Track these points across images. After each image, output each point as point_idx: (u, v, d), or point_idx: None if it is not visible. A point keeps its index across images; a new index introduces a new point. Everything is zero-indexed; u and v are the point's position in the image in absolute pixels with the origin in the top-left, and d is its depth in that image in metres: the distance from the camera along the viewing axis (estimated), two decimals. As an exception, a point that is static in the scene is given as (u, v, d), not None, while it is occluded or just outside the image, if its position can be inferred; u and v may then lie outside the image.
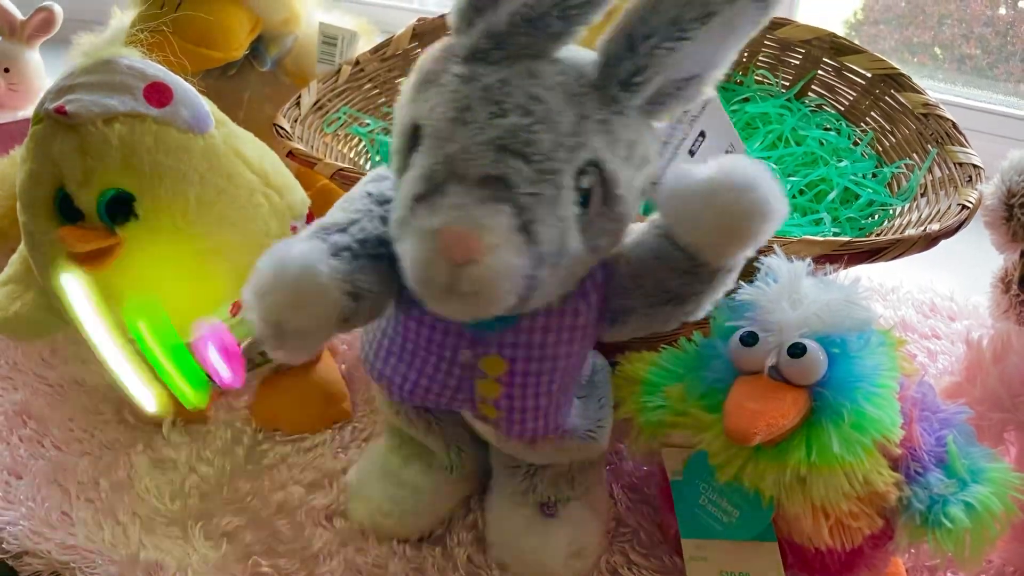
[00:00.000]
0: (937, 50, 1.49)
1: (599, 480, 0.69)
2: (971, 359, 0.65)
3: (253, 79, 0.93)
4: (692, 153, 0.62)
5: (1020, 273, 0.68)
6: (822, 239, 0.61)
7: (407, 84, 0.50)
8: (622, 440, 0.72)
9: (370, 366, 0.59)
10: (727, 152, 0.63)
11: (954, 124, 0.80)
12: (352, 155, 0.89)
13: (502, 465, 0.67)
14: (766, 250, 0.61)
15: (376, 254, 0.51)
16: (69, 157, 0.58)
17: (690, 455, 0.61)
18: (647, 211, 0.53)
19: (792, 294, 0.57)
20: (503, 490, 0.66)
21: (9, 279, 0.67)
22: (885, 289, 0.97)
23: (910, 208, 0.76)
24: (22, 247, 0.68)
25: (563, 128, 0.45)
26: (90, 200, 0.58)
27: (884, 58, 0.88)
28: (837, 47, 0.91)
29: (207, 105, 0.62)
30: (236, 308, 0.63)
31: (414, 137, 0.47)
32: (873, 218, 0.78)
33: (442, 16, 0.98)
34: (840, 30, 1.53)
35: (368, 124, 0.91)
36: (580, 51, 0.49)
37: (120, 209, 0.59)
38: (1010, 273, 0.77)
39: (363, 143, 0.90)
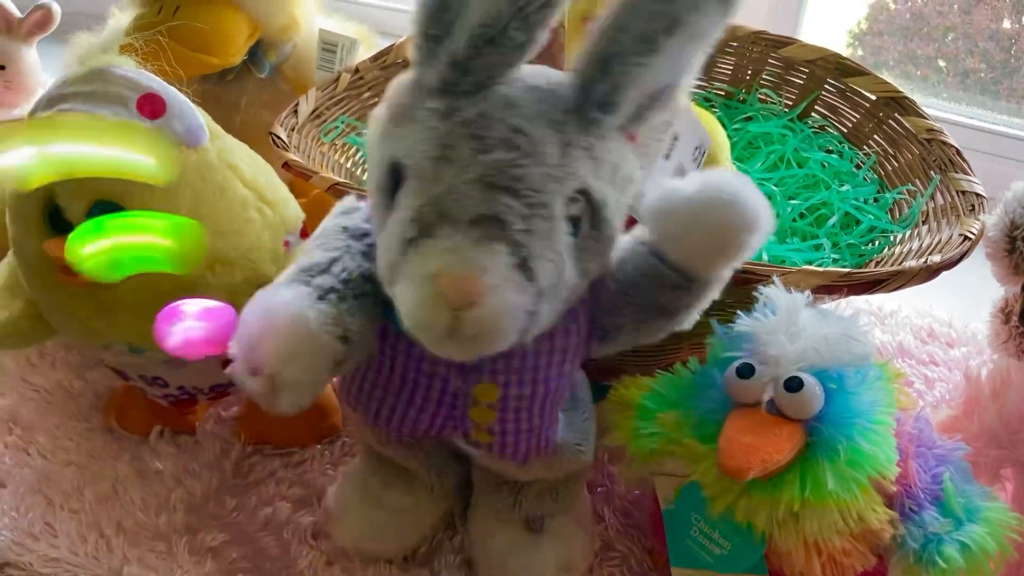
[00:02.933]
0: (941, 63, 1.49)
1: (582, 494, 0.68)
2: (969, 393, 0.65)
3: (251, 85, 0.92)
4: (667, 157, 0.61)
5: (1021, 306, 0.67)
6: (822, 270, 0.60)
7: (378, 117, 0.49)
8: (614, 464, 0.71)
9: (352, 398, 0.58)
10: (696, 149, 0.62)
11: (958, 151, 0.79)
12: (349, 165, 0.88)
13: (486, 483, 0.66)
14: (765, 280, 0.60)
15: (361, 293, 0.51)
16: (60, 168, 0.57)
17: (683, 485, 0.60)
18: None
19: (790, 327, 0.56)
20: (488, 508, 0.65)
21: (-5, 289, 0.66)
22: (883, 313, 0.96)
23: (911, 236, 0.76)
24: (10, 256, 0.67)
25: (550, 159, 0.44)
26: (79, 212, 0.57)
27: (889, 81, 0.87)
28: (842, 68, 0.90)
29: (202, 117, 0.61)
30: (227, 323, 0.62)
31: (395, 175, 0.46)
32: (873, 244, 0.77)
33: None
34: (844, 41, 1.53)
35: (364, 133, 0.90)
36: (552, 73, 0.48)
37: (110, 221, 0.58)
38: (1010, 304, 0.76)
39: (360, 153, 0.89)
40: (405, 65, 0.95)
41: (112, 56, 0.59)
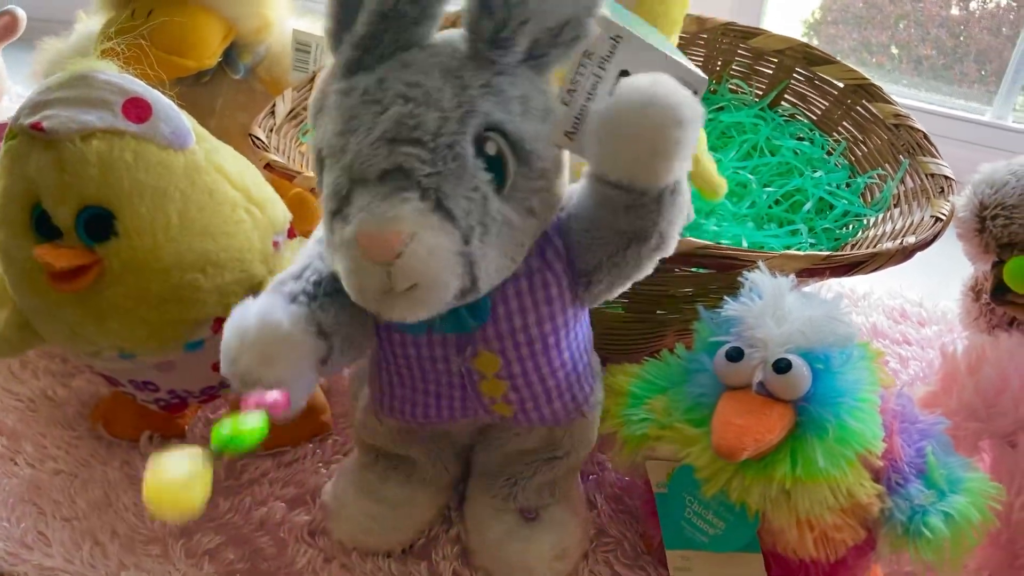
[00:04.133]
0: (894, 50, 1.52)
1: (576, 483, 0.69)
2: (946, 370, 0.67)
3: (226, 87, 0.91)
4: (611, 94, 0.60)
5: (993, 284, 0.69)
6: (803, 254, 0.62)
7: (309, 115, 0.51)
8: (604, 451, 0.72)
9: (386, 408, 0.60)
10: None
11: (925, 135, 0.81)
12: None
13: (483, 473, 0.67)
14: (749, 265, 0.61)
15: (333, 290, 0.52)
16: (46, 174, 0.56)
17: (675, 468, 0.62)
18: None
19: (777, 310, 0.57)
20: (484, 497, 0.66)
21: (-19, 298, 0.65)
22: (856, 296, 0.99)
23: (884, 219, 0.78)
24: (-6, 264, 0.67)
25: (445, 103, 0.45)
26: (68, 218, 0.57)
27: (856, 68, 0.89)
28: (810, 57, 0.92)
29: (187, 120, 0.61)
30: (218, 325, 0.62)
31: (320, 164, 0.48)
32: (848, 228, 0.79)
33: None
34: (799, 31, 1.55)
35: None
36: (451, 32, 0.48)
37: (99, 227, 0.57)
38: (980, 283, 0.79)
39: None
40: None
41: (93, 60, 0.59)
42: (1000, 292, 0.69)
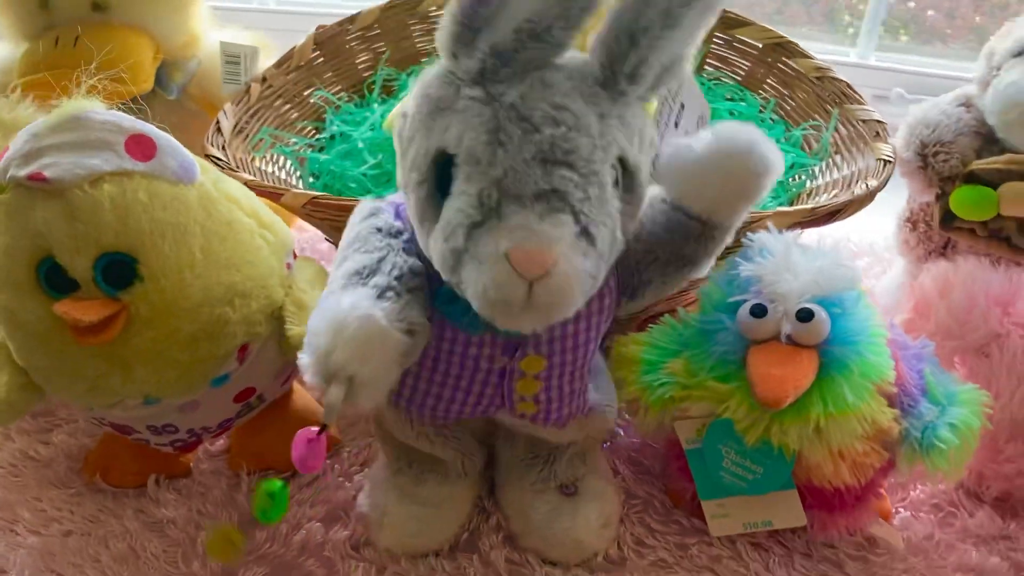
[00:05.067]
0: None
1: (602, 453, 0.73)
2: (918, 298, 0.73)
3: (159, 109, 0.85)
4: (676, 125, 0.66)
5: (941, 213, 0.77)
6: (793, 209, 0.67)
7: (411, 113, 0.50)
8: (626, 416, 0.75)
9: (405, 401, 0.60)
10: (699, 117, 0.67)
11: (848, 84, 0.88)
12: (283, 175, 0.86)
13: (518, 459, 0.69)
14: (747, 227, 0.66)
15: (413, 287, 0.52)
16: (56, 225, 0.53)
17: (707, 424, 0.66)
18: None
19: (789, 265, 0.62)
20: (522, 482, 0.68)
21: (-23, 364, 0.61)
22: (789, 239, 1.06)
23: (828, 166, 0.84)
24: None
25: (592, 130, 0.47)
26: (86, 268, 0.54)
27: (771, 28, 0.95)
28: (726, 21, 0.97)
29: (189, 152, 0.59)
30: (242, 354, 0.61)
31: (443, 166, 0.48)
32: (798, 179, 0.85)
33: (341, 22, 0.96)
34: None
35: (294, 143, 0.88)
36: (573, 54, 0.50)
37: (120, 273, 0.55)
38: (915, 215, 0.87)
39: (290, 163, 0.87)
40: (309, 67, 0.94)
41: (80, 100, 0.56)
42: (948, 220, 0.77)
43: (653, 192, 0.56)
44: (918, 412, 0.63)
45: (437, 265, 0.50)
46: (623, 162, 0.49)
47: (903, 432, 0.62)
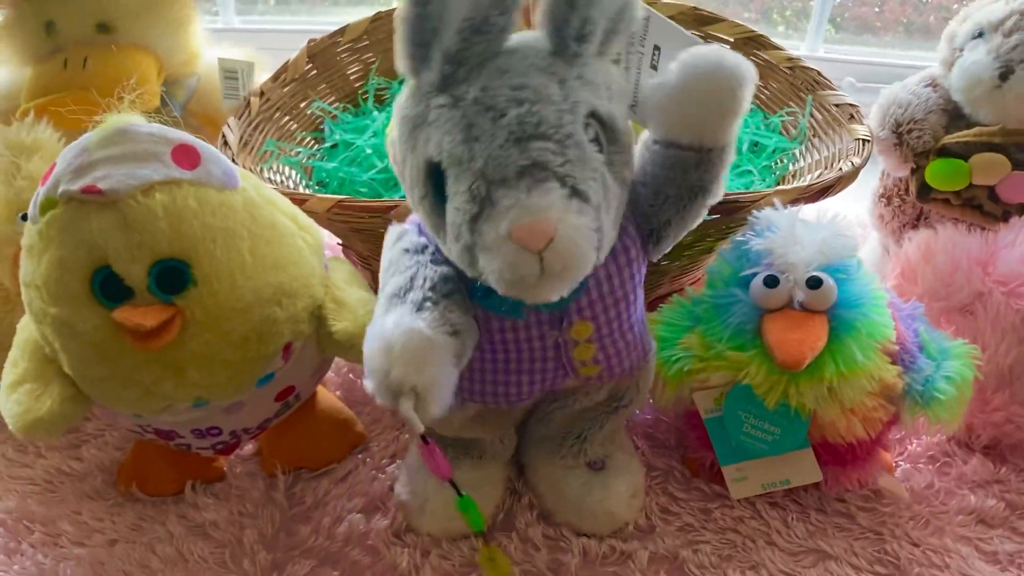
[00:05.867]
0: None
1: (624, 430, 0.76)
2: (903, 265, 0.79)
3: None
4: (655, 68, 0.69)
5: (917, 186, 0.83)
6: (790, 188, 0.72)
7: (395, 137, 0.54)
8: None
9: (477, 395, 0.63)
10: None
11: (819, 72, 0.94)
12: (290, 185, 0.89)
13: (544, 439, 0.72)
14: (747, 207, 0.70)
15: (449, 292, 0.55)
16: (112, 235, 0.55)
17: (725, 392, 0.70)
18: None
19: (795, 238, 0.67)
20: (553, 460, 0.72)
21: (22, 379, 0.61)
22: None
23: (807, 149, 0.89)
24: (20, 346, 0.64)
25: (554, 98, 0.50)
26: (141, 276, 0.56)
27: (742, 23, 1.00)
28: (700, 18, 1.02)
29: (228, 160, 0.61)
30: (287, 352, 0.63)
31: (433, 174, 0.51)
32: (781, 162, 0.91)
33: (331, 35, 0.99)
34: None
35: (298, 152, 0.91)
36: (520, 36, 0.53)
37: (173, 279, 0.57)
38: (888, 190, 0.93)
39: (296, 173, 0.90)
40: (303, 80, 0.97)
41: (123, 114, 0.58)
42: (925, 192, 0.83)
43: (643, 137, 0.58)
44: (917, 367, 0.68)
45: (459, 265, 0.53)
46: (597, 117, 0.51)
47: (906, 387, 0.67)
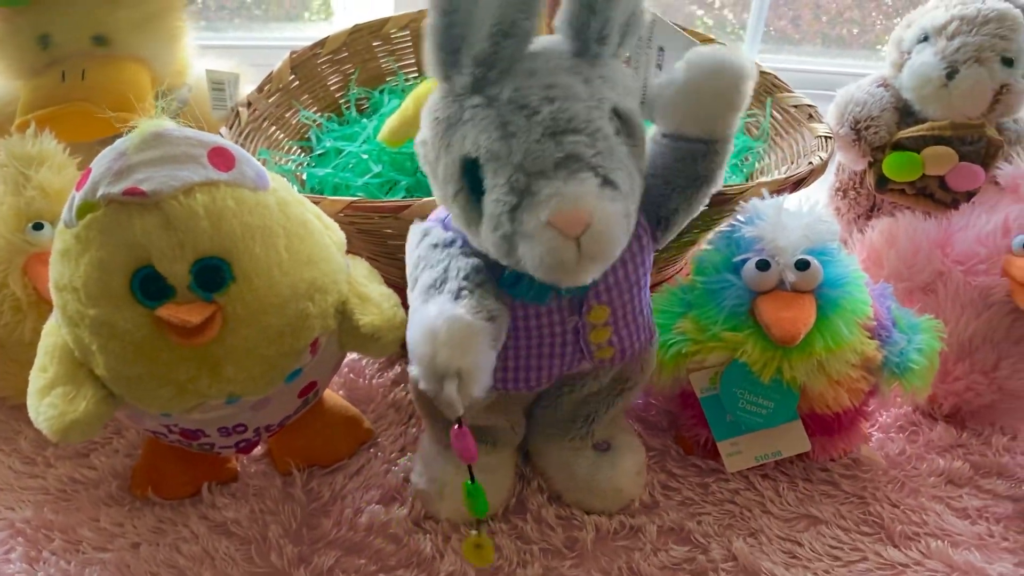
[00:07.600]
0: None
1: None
2: (869, 249, 0.86)
3: None
4: (659, 67, 0.74)
5: (876, 178, 0.90)
6: (772, 180, 0.77)
7: (428, 139, 0.57)
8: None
9: (498, 381, 0.66)
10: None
11: (776, 76, 1.00)
12: (282, 193, 0.91)
13: (551, 423, 0.76)
14: (735, 198, 0.76)
15: (480, 281, 0.59)
16: (155, 235, 0.57)
17: (719, 372, 0.75)
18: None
19: (783, 224, 0.72)
20: (562, 443, 0.76)
21: (53, 383, 0.62)
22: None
23: (771, 147, 0.96)
24: (48, 351, 0.64)
25: (582, 95, 0.54)
26: (183, 275, 0.58)
27: (697, 31, 1.06)
28: (656, 26, 1.08)
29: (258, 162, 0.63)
30: (314, 347, 0.66)
31: (471, 171, 0.55)
32: (747, 160, 0.97)
33: (312, 47, 1.02)
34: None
35: (291, 160, 0.93)
36: (541, 39, 0.57)
37: (212, 277, 0.59)
38: (844, 184, 1.00)
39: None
40: (286, 90, 0.99)
41: (158, 119, 0.60)
42: (882, 183, 0.90)
43: (652, 131, 0.63)
44: (893, 341, 0.74)
45: (494, 255, 0.56)
46: (617, 112, 0.56)
47: (884, 359, 0.74)
